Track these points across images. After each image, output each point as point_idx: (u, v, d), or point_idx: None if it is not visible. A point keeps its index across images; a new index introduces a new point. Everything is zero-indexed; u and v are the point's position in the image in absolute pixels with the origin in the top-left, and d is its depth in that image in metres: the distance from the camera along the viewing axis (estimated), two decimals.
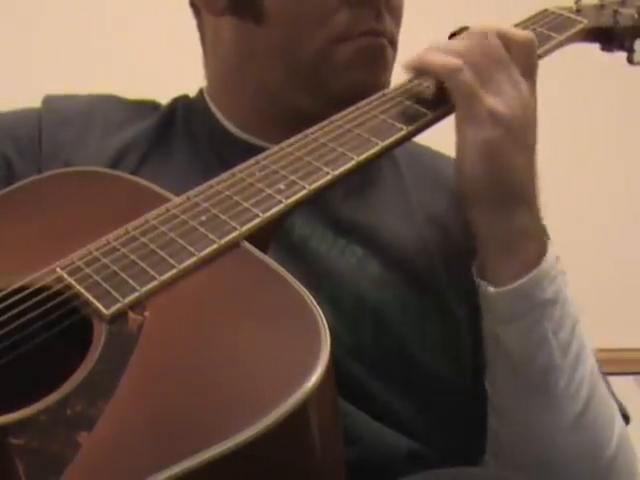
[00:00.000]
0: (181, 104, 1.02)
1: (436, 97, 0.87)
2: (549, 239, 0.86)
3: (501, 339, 0.83)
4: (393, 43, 0.95)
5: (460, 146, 0.83)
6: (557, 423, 0.83)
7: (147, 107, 1.03)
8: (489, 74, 0.83)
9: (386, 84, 0.93)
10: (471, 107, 0.82)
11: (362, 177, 0.92)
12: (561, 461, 0.84)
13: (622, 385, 0.93)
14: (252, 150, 0.84)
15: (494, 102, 0.82)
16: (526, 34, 0.88)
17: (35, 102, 1.01)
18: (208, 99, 1.01)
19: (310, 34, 0.91)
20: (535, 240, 0.84)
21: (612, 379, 0.98)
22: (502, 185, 0.82)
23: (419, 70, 0.87)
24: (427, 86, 0.89)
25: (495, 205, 0.83)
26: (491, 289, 0.83)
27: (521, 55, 0.85)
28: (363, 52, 0.92)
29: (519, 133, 0.83)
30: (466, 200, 0.85)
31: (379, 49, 0.93)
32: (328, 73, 0.92)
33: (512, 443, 0.85)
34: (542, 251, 0.83)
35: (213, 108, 1.00)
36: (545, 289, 0.82)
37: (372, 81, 0.92)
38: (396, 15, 0.95)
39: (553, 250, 0.85)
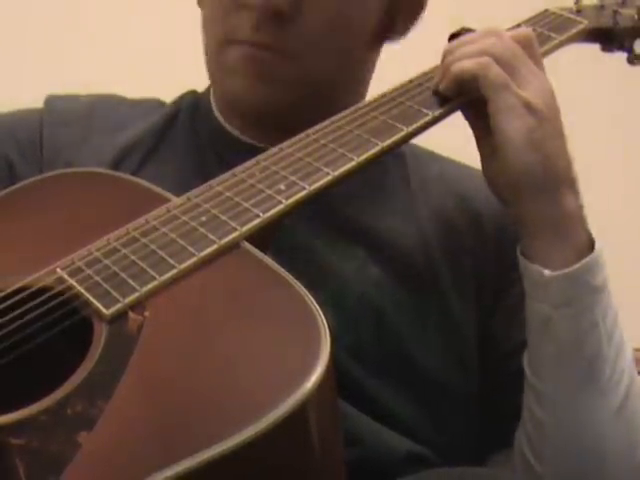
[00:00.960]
0: (187, 101, 1.01)
1: (436, 97, 0.87)
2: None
3: (552, 324, 0.83)
4: (286, 55, 0.89)
5: (502, 140, 0.83)
6: (601, 411, 0.84)
7: (150, 106, 1.03)
8: (514, 67, 0.84)
9: (276, 98, 0.90)
10: (506, 100, 0.82)
11: (366, 178, 0.92)
12: (604, 450, 0.84)
13: None
14: (254, 151, 0.84)
15: (526, 93, 0.83)
16: (522, 30, 0.89)
17: (37, 102, 1.01)
18: (212, 97, 1.00)
19: (210, 31, 0.93)
20: (583, 225, 0.85)
21: None
22: (550, 171, 0.83)
23: (458, 86, 0.85)
24: (427, 87, 0.89)
25: (545, 191, 0.83)
26: (547, 272, 0.82)
27: (526, 49, 0.86)
28: (241, 60, 0.90)
29: (553, 120, 0.84)
30: (513, 190, 0.85)
31: (254, 61, 0.89)
32: (220, 73, 0.93)
33: (555, 429, 0.85)
34: (591, 237, 0.84)
35: (214, 106, 0.99)
36: (596, 275, 0.83)
37: (252, 92, 0.90)
38: (307, 31, 0.89)
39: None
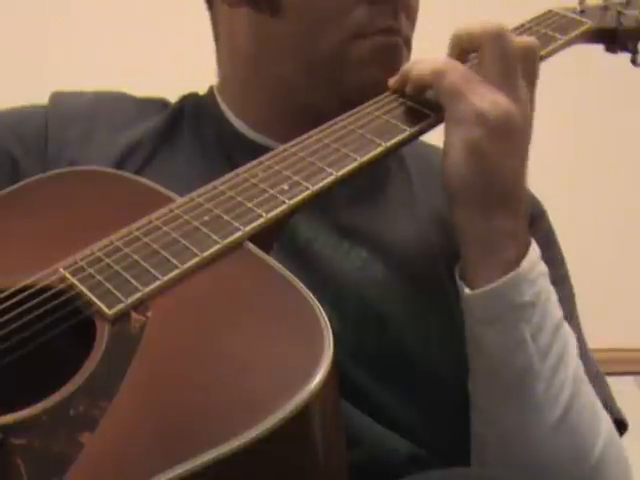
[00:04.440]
0: (189, 102, 1.01)
1: None
2: (531, 242, 0.85)
3: (479, 340, 0.83)
4: (407, 44, 0.95)
5: (447, 145, 0.83)
6: (536, 426, 0.83)
7: (155, 105, 1.03)
8: (503, 72, 0.83)
9: None
10: (457, 107, 0.82)
11: (368, 180, 0.92)
12: (542, 464, 0.83)
13: (622, 385, 0.92)
14: (261, 151, 0.84)
15: (481, 102, 0.81)
16: (528, 40, 0.88)
17: (42, 98, 1.01)
18: (219, 97, 1.00)
19: (327, 29, 0.91)
20: (515, 242, 0.83)
21: (612, 379, 0.97)
22: (485, 186, 0.82)
23: (422, 89, 0.86)
24: None
25: (477, 205, 0.82)
26: (467, 290, 0.83)
27: (522, 60, 0.85)
28: (380, 50, 0.92)
29: (507, 135, 0.82)
30: (451, 199, 0.85)
31: (395, 48, 0.93)
32: (343, 69, 0.92)
33: (495, 445, 0.85)
34: (522, 253, 0.83)
35: (223, 107, 0.99)
36: (523, 292, 0.82)
37: (386, 80, 0.91)
38: (411, 17, 0.95)
39: (536, 252, 0.84)
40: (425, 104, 0.87)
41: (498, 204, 0.82)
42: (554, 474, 0.83)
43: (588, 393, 0.87)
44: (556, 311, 0.85)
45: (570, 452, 0.84)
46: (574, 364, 0.86)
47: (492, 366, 0.83)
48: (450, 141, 0.82)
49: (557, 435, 0.83)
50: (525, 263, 0.82)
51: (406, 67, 0.88)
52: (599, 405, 0.89)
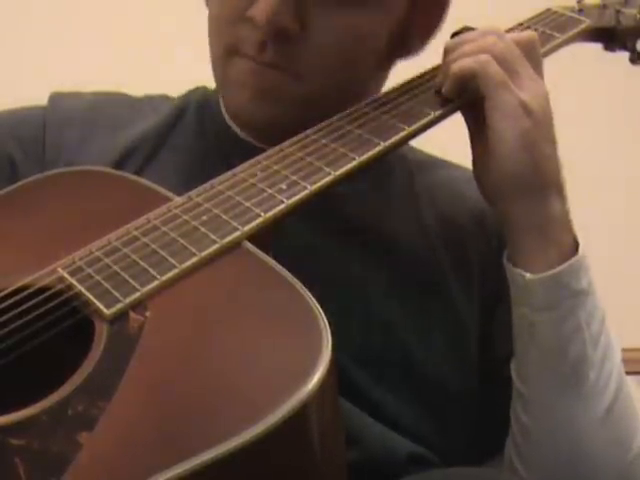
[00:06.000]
0: (195, 99, 1.00)
1: (438, 97, 0.87)
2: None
3: (535, 328, 0.83)
4: (296, 76, 0.87)
5: (496, 138, 0.83)
6: (586, 416, 0.83)
7: (156, 101, 1.02)
8: (513, 67, 0.84)
9: (279, 115, 0.88)
10: (504, 98, 0.82)
11: (371, 180, 0.92)
12: (588, 454, 0.84)
13: None
14: (257, 151, 0.84)
15: (523, 94, 0.83)
16: (525, 33, 0.89)
17: (42, 99, 1.00)
18: (220, 98, 0.99)
19: (216, 38, 0.90)
20: (569, 229, 0.85)
21: None
22: (539, 173, 0.83)
23: (460, 86, 0.85)
24: (428, 86, 0.89)
25: (531, 193, 0.83)
26: (528, 275, 0.83)
27: (527, 52, 0.86)
28: (247, 74, 0.88)
29: (547, 124, 0.84)
30: (502, 191, 0.85)
31: (259, 77, 0.87)
32: (225, 83, 0.91)
33: (540, 435, 0.85)
34: (576, 241, 0.84)
35: (221, 103, 0.98)
36: (580, 279, 0.83)
37: (256, 107, 0.88)
38: (314, 51, 0.86)
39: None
40: (423, 102, 0.87)
41: (550, 190, 0.84)
42: (597, 464, 0.84)
43: (629, 386, 0.88)
44: (600, 302, 0.85)
45: (615, 442, 0.85)
46: (618, 355, 0.87)
47: (548, 354, 0.84)
48: (501, 134, 0.82)
49: (605, 424, 0.84)
50: (582, 249, 0.84)
51: (446, 61, 0.86)
52: (636, 398, 0.89)
